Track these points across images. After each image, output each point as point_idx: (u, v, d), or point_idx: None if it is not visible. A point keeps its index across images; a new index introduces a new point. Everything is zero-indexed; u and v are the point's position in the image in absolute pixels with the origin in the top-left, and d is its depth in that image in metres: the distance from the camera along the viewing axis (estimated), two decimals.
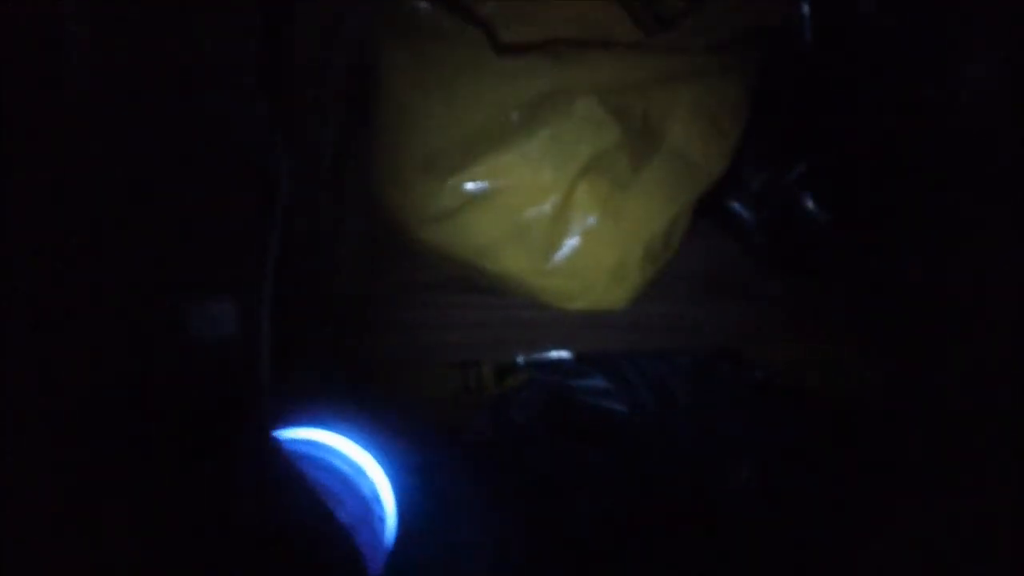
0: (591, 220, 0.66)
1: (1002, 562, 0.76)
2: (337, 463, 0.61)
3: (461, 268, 0.70)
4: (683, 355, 0.82)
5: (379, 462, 0.63)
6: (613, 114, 0.64)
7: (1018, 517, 0.76)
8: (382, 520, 0.63)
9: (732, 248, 0.80)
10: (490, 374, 0.82)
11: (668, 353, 0.82)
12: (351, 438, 0.63)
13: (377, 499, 0.63)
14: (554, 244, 0.67)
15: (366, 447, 0.63)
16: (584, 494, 0.79)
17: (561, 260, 0.67)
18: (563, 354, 0.81)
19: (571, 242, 0.67)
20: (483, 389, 0.82)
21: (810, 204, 0.76)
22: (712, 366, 0.82)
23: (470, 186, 0.65)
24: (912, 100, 0.82)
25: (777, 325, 0.82)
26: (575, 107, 0.63)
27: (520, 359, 0.81)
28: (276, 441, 0.58)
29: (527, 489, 0.79)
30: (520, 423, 0.81)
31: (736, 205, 0.77)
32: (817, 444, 0.84)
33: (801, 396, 0.85)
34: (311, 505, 0.51)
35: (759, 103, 0.72)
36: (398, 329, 0.76)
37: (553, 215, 0.65)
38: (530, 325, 0.78)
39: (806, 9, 0.79)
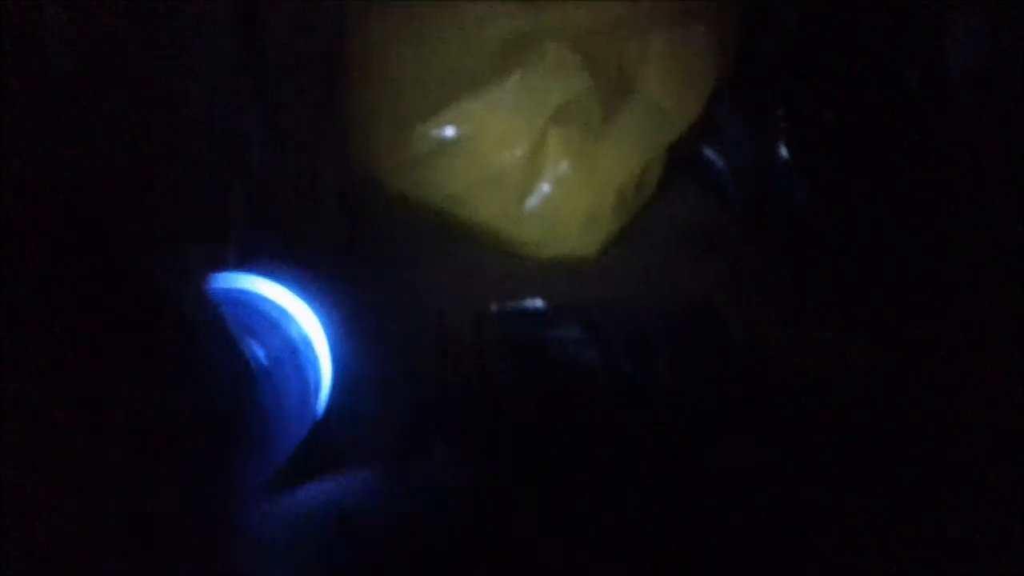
0: (562, 167, 0.66)
1: (999, 556, 0.76)
2: (261, 305, 0.59)
3: (434, 216, 0.70)
4: (658, 306, 0.82)
5: (319, 318, 0.61)
6: (585, 60, 0.63)
7: (1010, 504, 0.76)
8: (313, 365, 0.61)
9: (708, 200, 0.80)
10: (464, 324, 0.82)
11: (643, 304, 0.82)
12: (288, 289, 0.61)
13: (307, 343, 0.61)
14: (525, 192, 0.66)
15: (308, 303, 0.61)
16: (559, 448, 0.79)
17: (533, 208, 0.67)
18: (538, 304, 0.81)
19: (543, 189, 0.66)
20: (457, 340, 0.82)
21: (786, 156, 0.76)
22: (688, 321, 0.82)
23: (440, 133, 0.64)
24: (899, 56, 0.81)
25: (752, 281, 0.82)
26: (546, 53, 0.63)
27: (494, 309, 0.81)
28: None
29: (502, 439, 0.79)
30: (494, 375, 0.81)
31: (711, 155, 0.77)
32: (794, 417, 0.84)
33: (777, 361, 0.85)
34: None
35: (736, 52, 0.71)
36: (371, 279, 0.75)
37: (524, 162, 0.65)
38: (505, 275, 0.78)
39: None
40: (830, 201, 0.80)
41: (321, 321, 0.62)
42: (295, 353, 0.59)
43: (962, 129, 0.81)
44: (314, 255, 0.73)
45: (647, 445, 0.82)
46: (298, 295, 0.60)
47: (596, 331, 0.81)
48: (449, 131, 0.65)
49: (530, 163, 0.65)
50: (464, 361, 0.83)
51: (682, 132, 0.68)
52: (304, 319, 0.61)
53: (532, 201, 0.67)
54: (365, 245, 0.74)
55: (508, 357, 0.82)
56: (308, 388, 0.60)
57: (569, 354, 0.81)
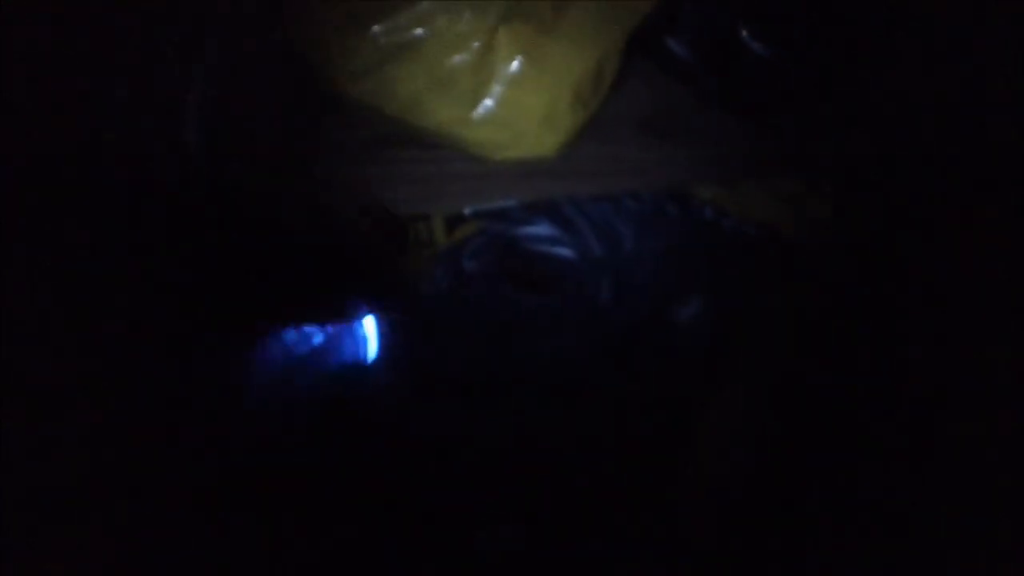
0: (515, 67, 0.66)
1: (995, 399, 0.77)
2: None
3: (394, 123, 0.70)
4: (629, 198, 0.83)
5: None
6: None
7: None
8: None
9: (674, 88, 0.79)
10: (439, 226, 0.83)
11: (614, 196, 0.83)
12: None
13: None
14: (479, 94, 0.66)
15: None
16: (533, 337, 0.81)
17: (488, 110, 0.67)
18: (510, 203, 0.82)
19: (496, 90, 0.66)
20: (434, 241, 0.84)
21: (749, 38, 0.75)
22: (658, 207, 0.83)
23: (390, 38, 0.64)
24: None
25: (723, 163, 0.82)
26: None
27: (468, 210, 0.82)
28: None
29: (478, 333, 0.82)
30: (471, 272, 0.83)
31: (674, 43, 0.76)
32: (766, 278, 0.86)
33: (750, 233, 0.86)
34: None
35: None
36: (343, 187, 0.76)
37: (475, 64, 0.65)
38: (475, 176, 0.78)
39: None
40: (800, 79, 0.80)
41: None
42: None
43: None
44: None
45: (621, 327, 0.84)
46: None
47: (567, 227, 0.82)
48: (398, 36, 0.64)
49: (481, 64, 0.65)
50: (442, 261, 0.84)
51: (637, 23, 0.67)
52: None
53: (487, 103, 0.67)
54: (329, 156, 0.75)
55: (484, 256, 0.83)
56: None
57: (543, 251, 0.83)
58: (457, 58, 0.65)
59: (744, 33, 0.74)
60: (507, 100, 0.67)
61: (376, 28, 0.64)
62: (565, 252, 0.82)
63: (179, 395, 0.74)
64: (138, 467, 0.71)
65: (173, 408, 0.74)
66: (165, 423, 0.73)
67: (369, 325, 0.78)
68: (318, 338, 0.79)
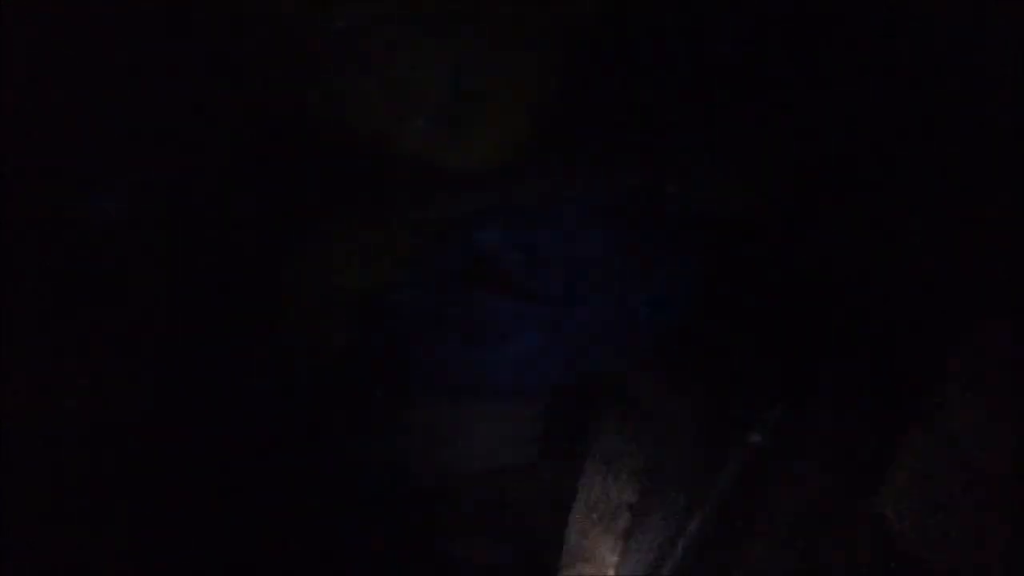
0: (467, 76, 0.65)
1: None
2: None
3: (347, 133, 0.69)
4: (588, 197, 0.83)
5: None
6: None
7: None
8: None
9: (638, 87, 0.79)
10: (402, 232, 0.83)
11: (572, 197, 0.82)
12: None
13: None
14: (430, 103, 0.66)
15: None
16: (495, 340, 0.82)
17: (440, 118, 0.66)
18: (467, 209, 0.81)
19: (442, 99, 0.66)
20: (395, 247, 0.83)
21: (715, 37, 0.75)
22: (622, 206, 0.83)
23: (343, 45, 0.63)
24: None
25: (689, 162, 0.82)
26: None
27: (431, 215, 0.82)
28: None
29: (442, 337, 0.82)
30: (432, 279, 0.83)
31: (644, 42, 0.75)
32: (730, 274, 0.85)
33: (716, 229, 0.86)
34: None
35: None
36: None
37: (425, 72, 0.64)
38: (436, 182, 0.78)
39: None
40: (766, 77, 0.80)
41: None
42: None
43: None
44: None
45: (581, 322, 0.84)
46: None
47: (526, 230, 0.82)
48: (345, 43, 0.63)
49: (431, 72, 0.64)
50: (405, 267, 0.84)
51: (586, 24, 0.66)
52: None
53: (439, 111, 0.66)
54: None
55: (446, 262, 0.83)
56: None
57: (501, 254, 0.83)
58: (406, 67, 0.64)
59: (713, 35, 0.74)
60: (455, 108, 0.66)
61: (320, 35, 0.63)
62: (523, 256, 0.82)
63: (179, 395, 0.74)
64: (138, 467, 0.71)
65: (173, 408, 0.74)
66: (165, 423, 0.73)
67: None
68: None
